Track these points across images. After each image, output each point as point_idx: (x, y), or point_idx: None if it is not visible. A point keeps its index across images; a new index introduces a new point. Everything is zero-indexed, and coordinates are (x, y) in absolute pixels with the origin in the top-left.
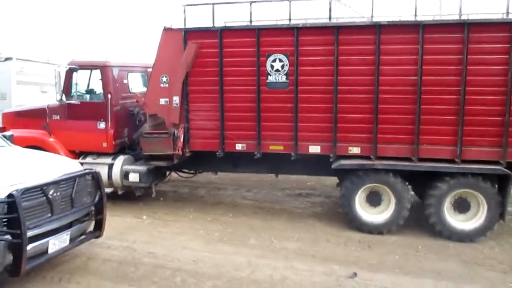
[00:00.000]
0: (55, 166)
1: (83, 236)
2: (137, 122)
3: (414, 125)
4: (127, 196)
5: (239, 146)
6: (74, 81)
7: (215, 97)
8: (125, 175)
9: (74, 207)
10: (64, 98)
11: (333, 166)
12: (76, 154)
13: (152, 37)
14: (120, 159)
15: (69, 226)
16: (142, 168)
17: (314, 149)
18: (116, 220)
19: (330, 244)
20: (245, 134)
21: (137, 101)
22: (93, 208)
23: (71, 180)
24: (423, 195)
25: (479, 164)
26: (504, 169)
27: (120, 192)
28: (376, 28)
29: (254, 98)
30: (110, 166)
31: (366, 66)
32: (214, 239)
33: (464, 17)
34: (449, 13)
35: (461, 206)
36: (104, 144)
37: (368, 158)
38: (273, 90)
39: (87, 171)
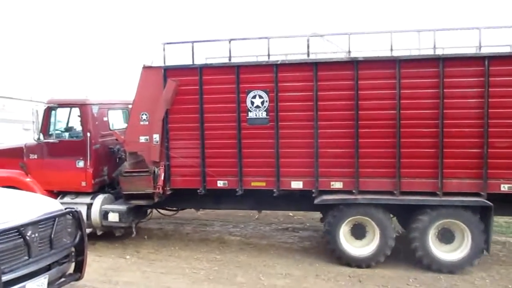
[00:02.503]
0: (33, 205)
1: (62, 279)
2: (117, 160)
3: (395, 158)
4: (110, 235)
5: (220, 183)
6: (52, 119)
7: (196, 134)
8: (104, 214)
9: (53, 248)
10: (42, 137)
11: (316, 201)
12: (54, 194)
13: (133, 74)
14: (99, 198)
15: (47, 268)
16: (122, 207)
17: (296, 184)
18: (98, 261)
19: (319, 279)
20: (226, 171)
21: (116, 139)
22: (73, 249)
23: (50, 220)
24: (408, 228)
25: (460, 196)
26: (485, 201)
27: (99, 233)
28: (353, 64)
29: (235, 135)
30: (89, 206)
31: (345, 101)
32: (200, 278)
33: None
34: (426, 47)
35: (446, 236)
36: (83, 183)
37: (350, 192)
38: (254, 126)
39: (67, 210)
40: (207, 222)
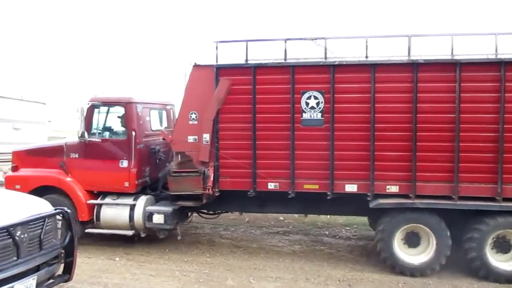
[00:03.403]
0: (23, 205)
1: (51, 280)
2: (157, 161)
3: (454, 163)
4: (99, 236)
5: (271, 185)
6: (95, 117)
7: (248, 135)
8: (148, 216)
9: (42, 249)
10: (86, 135)
11: (371, 205)
12: (94, 194)
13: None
14: (142, 199)
15: (36, 269)
16: (167, 209)
17: (351, 188)
18: (87, 262)
19: (309, 283)
20: (278, 173)
21: (163, 139)
22: (62, 250)
23: (40, 220)
24: (462, 238)
25: None
26: None
27: (143, 235)
28: (413, 66)
29: (288, 136)
30: (132, 207)
31: (403, 104)
32: (190, 280)
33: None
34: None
35: (502, 246)
36: (126, 184)
37: (406, 196)
38: (308, 127)
39: (57, 211)
40: (197, 224)
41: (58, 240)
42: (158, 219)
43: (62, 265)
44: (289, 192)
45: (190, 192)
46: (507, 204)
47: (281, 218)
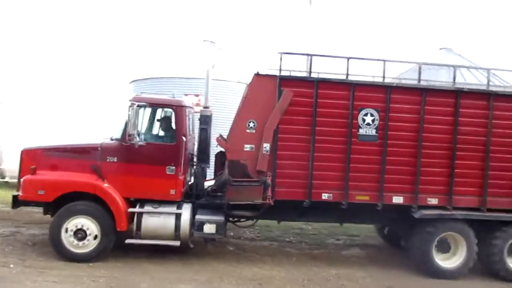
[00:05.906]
0: None
1: None
2: (193, 167)
3: (483, 179)
4: None
5: (325, 196)
6: (139, 119)
7: (306, 146)
8: (198, 226)
9: None
10: (137, 138)
11: (416, 215)
12: (130, 202)
13: None
14: (187, 208)
15: None
16: (219, 218)
17: (398, 199)
18: None
19: (223, 283)
20: (333, 184)
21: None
22: None
23: None
24: (485, 245)
25: None
26: None
27: (191, 246)
28: (456, 93)
29: (345, 149)
30: (178, 216)
31: (447, 126)
32: (99, 285)
33: None
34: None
35: None
36: (172, 192)
37: (444, 208)
38: (363, 142)
39: None
40: None
41: None
42: (209, 228)
43: None
44: (343, 202)
45: (248, 201)
46: None
47: None
